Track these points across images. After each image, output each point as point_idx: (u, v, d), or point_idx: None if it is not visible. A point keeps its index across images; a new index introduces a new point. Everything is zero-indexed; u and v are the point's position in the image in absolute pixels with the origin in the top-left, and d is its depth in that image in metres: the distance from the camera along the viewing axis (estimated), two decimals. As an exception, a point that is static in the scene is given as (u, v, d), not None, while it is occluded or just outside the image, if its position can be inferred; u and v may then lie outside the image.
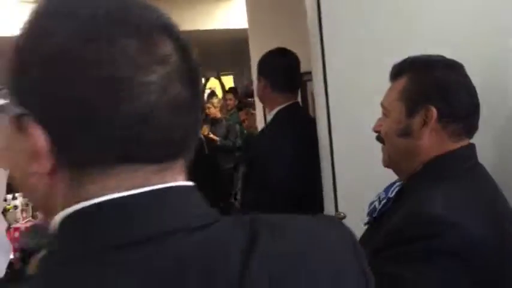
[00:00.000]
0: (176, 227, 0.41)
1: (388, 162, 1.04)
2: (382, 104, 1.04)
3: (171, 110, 0.41)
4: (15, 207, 4.02)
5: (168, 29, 0.43)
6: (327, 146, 1.55)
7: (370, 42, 1.42)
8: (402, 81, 1.00)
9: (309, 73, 1.97)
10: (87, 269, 0.39)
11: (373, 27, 1.41)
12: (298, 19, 2.45)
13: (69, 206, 0.41)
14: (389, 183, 1.08)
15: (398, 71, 1.01)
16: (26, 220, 3.86)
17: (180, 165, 0.45)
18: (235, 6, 5.39)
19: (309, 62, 1.67)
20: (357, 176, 1.47)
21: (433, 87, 0.97)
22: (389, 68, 1.04)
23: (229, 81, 8.20)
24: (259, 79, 1.94)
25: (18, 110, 0.42)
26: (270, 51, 1.97)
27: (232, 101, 6.05)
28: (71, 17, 0.41)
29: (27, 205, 4.18)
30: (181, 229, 0.41)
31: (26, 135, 0.41)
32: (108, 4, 0.42)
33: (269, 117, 1.95)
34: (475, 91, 0.97)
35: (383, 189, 1.06)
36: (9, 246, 2.63)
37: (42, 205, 0.46)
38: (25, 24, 0.43)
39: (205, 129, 4.94)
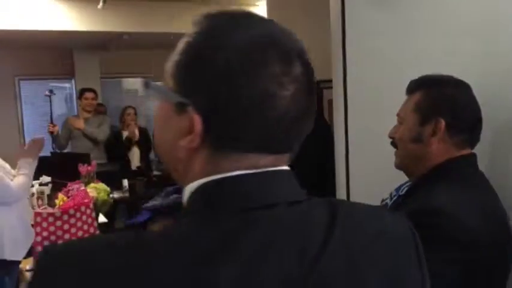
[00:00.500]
0: (280, 200, 0.55)
1: (400, 165, 1.20)
2: (398, 114, 1.19)
3: (296, 116, 0.55)
4: (32, 194, 4.18)
5: (301, 54, 0.56)
6: (343, 149, 1.70)
7: (390, 55, 1.54)
8: (417, 95, 1.15)
9: (326, 81, 2.12)
10: (221, 225, 0.52)
11: (393, 39, 1.53)
12: (317, 27, 2.59)
13: (205, 177, 0.55)
14: (399, 184, 1.23)
15: (414, 86, 1.17)
16: (42, 207, 4.01)
17: (288, 155, 0.58)
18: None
19: (325, 70, 1.82)
20: (370, 177, 1.61)
21: (443, 102, 1.12)
22: (406, 81, 1.20)
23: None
24: None
25: (180, 99, 0.54)
26: None
27: None
28: (238, 36, 0.53)
29: (42, 193, 4.35)
30: (284, 202, 0.55)
31: (184, 118, 0.54)
32: (263, 31, 0.55)
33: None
34: (479, 108, 1.13)
35: (394, 188, 1.22)
36: (33, 233, 2.80)
37: (178, 173, 0.59)
38: (198, 32, 0.55)
39: None
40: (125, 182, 4.86)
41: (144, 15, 4.86)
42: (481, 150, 1.16)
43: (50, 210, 3.02)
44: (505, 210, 1.08)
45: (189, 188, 0.57)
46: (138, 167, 5.47)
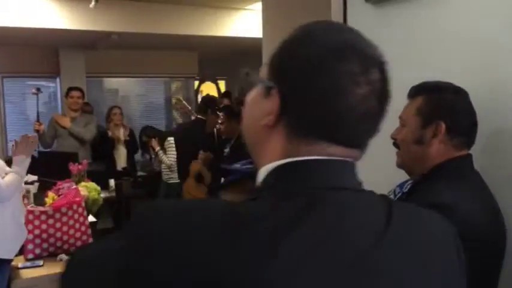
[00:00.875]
0: (348, 186, 0.63)
1: (401, 164, 1.29)
2: (400, 117, 1.28)
3: (364, 115, 0.62)
4: (18, 193, 4.16)
5: (380, 63, 0.63)
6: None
7: (390, 61, 1.64)
8: (419, 100, 1.24)
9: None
10: (295, 202, 0.58)
11: (392, 46, 1.62)
12: None
13: (280, 159, 0.63)
14: (400, 181, 1.32)
15: (415, 91, 1.26)
16: (29, 206, 3.99)
17: (356, 151, 0.65)
18: (242, 15, 5.63)
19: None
20: (372, 176, 1.69)
21: (444, 107, 1.21)
22: (406, 86, 1.28)
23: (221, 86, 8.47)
24: None
25: (270, 84, 0.64)
26: None
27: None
28: (324, 39, 0.62)
29: (28, 192, 4.32)
30: (351, 188, 0.63)
31: (269, 100, 0.63)
32: (348, 38, 0.64)
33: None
34: (475, 113, 1.23)
35: (396, 185, 1.31)
36: (25, 231, 2.80)
37: (257, 155, 0.67)
38: (294, 35, 0.65)
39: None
40: (112, 182, 4.86)
41: (134, 16, 4.89)
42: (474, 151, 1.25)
43: (42, 208, 3.02)
44: (499, 207, 1.18)
45: (265, 169, 0.64)
46: (123, 168, 5.47)
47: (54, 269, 2.81)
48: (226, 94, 7.85)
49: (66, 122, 4.84)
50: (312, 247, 0.56)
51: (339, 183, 0.62)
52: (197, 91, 7.55)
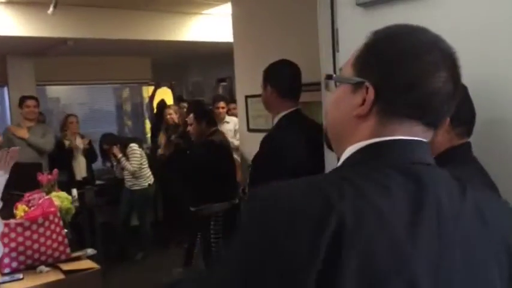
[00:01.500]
0: (422, 161, 0.73)
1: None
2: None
3: (445, 97, 0.73)
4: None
5: (453, 55, 0.75)
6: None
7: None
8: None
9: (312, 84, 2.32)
10: (387, 172, 0.69)
11: None
12: (288, 34, 2.75)
13: (370, 139, 0.73)
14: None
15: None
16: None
17: (432, 133, 0.76)
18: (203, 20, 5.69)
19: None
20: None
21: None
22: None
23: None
24: (265, 86, 2.21)
25: (358, 79, 0.75)
26: (276, 62, 2.24)
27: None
28: (411, 37, 0.74)
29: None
30: (425, 163, 0.73)
31: (358, 94, 0.74)
32: (429, 36, 0.76)
33: (275, 121, 2.25)
34: (473, 105, 1.39)
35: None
36: (1, 246, 2.69)
37: (342, 139, 0.77)
38: (374, 38, 0.77)
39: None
40: (74, 192, 4.72)
41: (92, 22, 4.79)
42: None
43: (18, 220, 2.91)
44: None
45: (350, 150, 0.74)
46: (84, 178, 5.33)
47: (34, 281, 2.73)
48: (180, 98, 7.88)
49: (23, 133, 4.67)
50: (409, 214, 0.65)
51: (422, 159, 0.73)
52: (152, 96, 7.49)
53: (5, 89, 6.40)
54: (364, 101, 0.74)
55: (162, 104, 6.74)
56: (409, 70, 0.72)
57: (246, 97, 3.31)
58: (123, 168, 5.03)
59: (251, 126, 3.38)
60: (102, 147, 5.25)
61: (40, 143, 4.69)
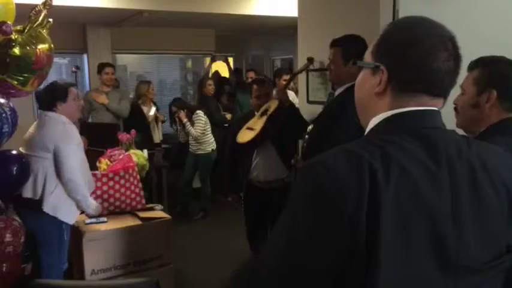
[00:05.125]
0: (436, 126, 0.90)
1: (461, 124, 1.59)
2: (461, 86, 1.58)
3: (447, 72, 0.89)
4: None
5: (452, 39, 0.91)
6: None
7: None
8: (476, 72, 1.54)
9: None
10: (403, 136, 0.86)
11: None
12: (351, 11, 2.87)
13: (389, 110, 0.90)
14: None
15: (473, 65, 1.55)
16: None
17: (442, 101, 0.93)
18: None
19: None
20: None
21: (495, 76, 1.51)
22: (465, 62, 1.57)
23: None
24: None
25: (376, 64, 0.92)
26: (349, 36, 2.43)
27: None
28: (415, 26, 0.91)
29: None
30: (438, 127, 0.90)
31: (377, 76, 0.93)
32: (429, 25, 0.92)
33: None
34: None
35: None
36: (94, 184, 3.05)
37: (367, 113, 0.96)
38: (390, 28, 0.94)
39: None
40: (145, 152, 5.15)
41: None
42: None
43: (103, 172, 3.32)
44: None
45: (377, 119, 0.93)
46: (161, 141, 5.80)
47: (116, 224, 3.14)
48: (237, 71, 8.15)
49: (103, 99, 5.09)
50: (423, 162, 0.84)
51: (433, 124, 0.90)
52: (208, 68, 7.80)
53: (85, 56, 6.92)
54: (380, 81, 0.91)
55: (217, 76, 7.06)
56: (414, 53, 0.88)
57: (308, 70, 3.45)
58: (187, 133, 5.35)
59: (310, 98, 3.54)
60: (171, 109, 5.58)
61: (118, 110, 5.11)
